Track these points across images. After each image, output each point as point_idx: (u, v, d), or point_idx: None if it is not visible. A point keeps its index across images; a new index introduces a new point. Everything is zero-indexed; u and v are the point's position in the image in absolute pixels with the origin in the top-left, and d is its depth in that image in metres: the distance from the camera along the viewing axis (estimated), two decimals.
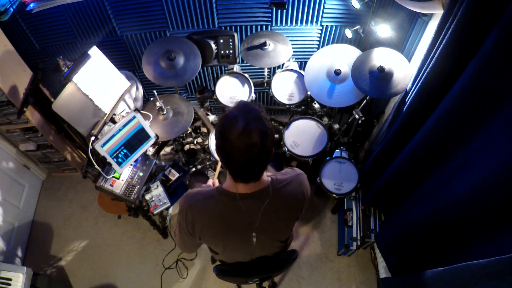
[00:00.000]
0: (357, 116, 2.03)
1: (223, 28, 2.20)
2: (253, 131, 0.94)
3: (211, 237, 1.22)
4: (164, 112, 1.99)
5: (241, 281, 1.85)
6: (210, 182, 1.62)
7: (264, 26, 2.21)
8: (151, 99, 1.99)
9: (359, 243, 2.09)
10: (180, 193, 2.11)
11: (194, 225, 1.16)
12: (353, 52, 1.98)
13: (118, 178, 1.85)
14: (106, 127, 1.79)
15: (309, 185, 1.26)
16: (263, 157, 1.00)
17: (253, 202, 1.12)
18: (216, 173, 1.66)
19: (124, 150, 1.80)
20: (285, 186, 1.17)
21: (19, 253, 2.41)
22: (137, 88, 2.20)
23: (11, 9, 1.80)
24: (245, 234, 1.18)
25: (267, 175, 1.16)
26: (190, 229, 1.17)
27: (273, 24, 2.19)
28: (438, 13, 1.54)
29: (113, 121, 1.82)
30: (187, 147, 2.61)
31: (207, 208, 1.14)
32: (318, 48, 2.33)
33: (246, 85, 2.19)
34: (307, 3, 2.05)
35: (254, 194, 1.11)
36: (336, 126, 2.28)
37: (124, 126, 1.76)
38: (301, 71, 2.17)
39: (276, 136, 2.50)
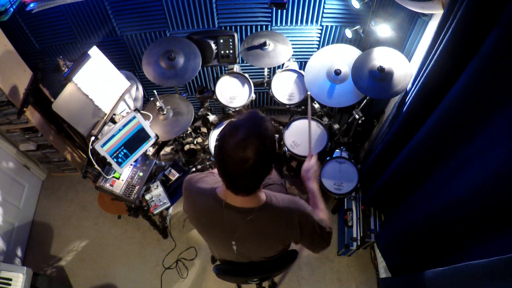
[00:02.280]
0: (357, 116, 2.03)
1: (223, 28, 2.20)
2: (249, 147, 0.90)
3: (196, 226, 1.28)
4: (164, 112, 1.99)
5: (240, 281, 1.85)
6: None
7: (264, 26, 2.21)
8: (151, 99, 1.99)
9: (359, 243, 2.09)
10: (180, 193, 2.11)
11: (187, 207, 1.23)
12: (353, 52, 1.98)
13: (118, 178, 1.85)
14: (106, 127, 1.79)
15: (307, 222, 1.14)
16: (255, 175, 0.97)
17: (236, 215, 1.08)
18: None
19: (124, 150, 1.80)
20: (275, 216, 1.11)
21: (19, 253, 2.41)
22: (137, 88, 2.20)
23: (11, 9, 1.80)
24: (225, 239, 1.19)
25: (266, 193, 1.11)
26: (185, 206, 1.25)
27: (273, 24, 2.19)
28: (438, 13, 1.54)
29: (113, 121, 1.82)
30: (187, 147, 2.61)
31: (197, 202, 1.17)
32: (318, 48, 2.33)
33: (246, 85, 2.19)
34: (307, 3, 2.05)
35: (241, 209, 1.07)
36: (336, 126, 2.28)
37: (124, 126, 1.76)
38: (301, 71, 2.17)
39: (276, 136, 2.50)
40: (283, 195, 1.16)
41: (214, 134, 2.18)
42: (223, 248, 1.28)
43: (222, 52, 2.12)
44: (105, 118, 1.76)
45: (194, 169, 2.42)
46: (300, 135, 2.11)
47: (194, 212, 1.20)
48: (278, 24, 2.19)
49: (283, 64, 2.21)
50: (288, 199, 1.15)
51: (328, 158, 2.08)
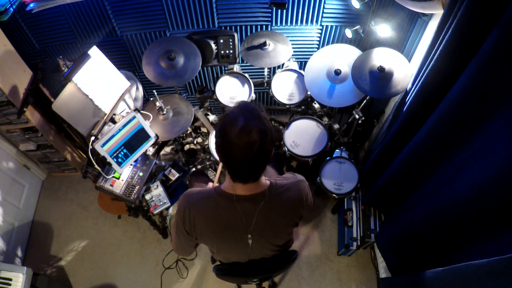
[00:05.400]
0: (357, 116, 2.03)
1: (223, 28, 2.20)
2: (253, 130, 0.95)
3: (207, 236, 1.23)
4: (164, 112, 1.99)
5: (240, 281, 1.85)
6: (210, 184, 1.63)
7: (264, 26, 2.21)
8: (151, 99, 1.99)
9: (359, 243, 2.09)
10: (180, 193, 2.11)
11: (192, 224, 1.17)
12: (353, 52, 1.98)
13: (118, 178, 1.85)
14: (106, 127, 1.79)
15: (310, 193, 1.24)
16: (262, 157, 1.00)
17: (250, 204, 1.11)
18: (217, 175, 1.66)
19: (124, 150, 1.80)
20: (284, 192, 1.16)
21: (19, 253, 2.41)
22: (137, 88, 2.20)
23: (11, 9, 1.80)
24: (240, 235, 1.19)
25: (266, 178, 1.16)
26: (187, 228, 1.18)
27: (273, 24, 2.19)
28: (438, 13, 1.54)
29: (113, 121, 1.82)
30: (187, 147, 2.61)
31: (204, 207, 1.15)
32: (318, 48, 2.33)
33: (246, 85, 2.19)
34: (307, 3, 2.05)
35: (252, 196, 1.10)
36: (336, 126, 2.28)
37: (124, 126, 1.76)
38: (301, 71, 2.17)
39: (277, 134, 2.50)
40: (278, 176, 1.23)
41: (215, 134, 2.18)
42: (237, 248, 1.27)
43: (222, 52, 2.12)
44: (105, 118, 1.76)
45: (194, 169, 2.42)
46: (300, 135, 2.11)
47: (202, 219, 1.16)
48: (278, 24, 2.19)
49: (283, 64, 2.21)
50: (286, 175, 1.23)
51: (328, 158, 2.08)
